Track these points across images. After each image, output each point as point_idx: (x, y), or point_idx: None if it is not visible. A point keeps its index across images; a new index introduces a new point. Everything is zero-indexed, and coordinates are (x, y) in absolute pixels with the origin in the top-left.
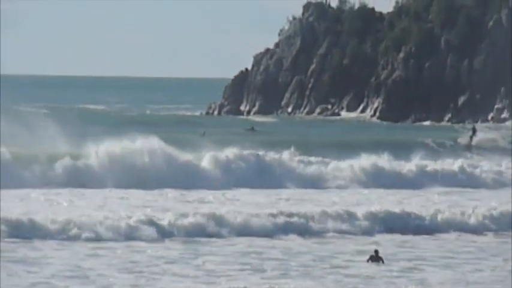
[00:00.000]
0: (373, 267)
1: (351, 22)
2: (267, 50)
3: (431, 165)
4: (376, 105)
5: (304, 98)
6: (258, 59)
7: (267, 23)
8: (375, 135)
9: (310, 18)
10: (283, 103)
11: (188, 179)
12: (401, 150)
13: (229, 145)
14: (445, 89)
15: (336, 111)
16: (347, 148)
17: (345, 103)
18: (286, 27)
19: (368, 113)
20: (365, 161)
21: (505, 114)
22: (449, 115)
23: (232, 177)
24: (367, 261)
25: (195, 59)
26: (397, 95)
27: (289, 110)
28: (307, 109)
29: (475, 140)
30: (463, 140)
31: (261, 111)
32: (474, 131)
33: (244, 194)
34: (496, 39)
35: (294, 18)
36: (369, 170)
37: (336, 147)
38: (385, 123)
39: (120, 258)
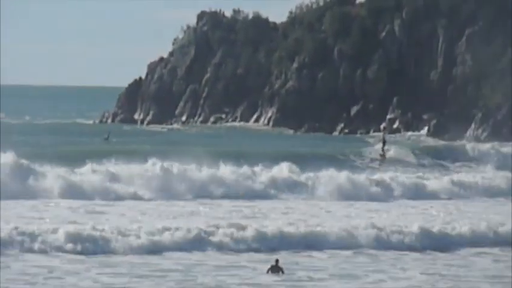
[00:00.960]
0: (272, 277)
1: (245, 32)
2: (161, 58)
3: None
4: (269, 114)
5: (198, 107)
6: (152, 68)
7: (162, 33)
8: (283, 146)
9: (205, 28)
10: (177, 112)
11: None
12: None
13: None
14: (338, 98)
15: (230, 120)
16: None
17: (239, 112)
18: (181, 37)
19: (262, 122)
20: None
21: (397, 125)
22: (342, 125)
23: None
24: (267, 271)
25: (88, 68)
26: (291, 104)
27: (183, 119)
28: (201, 118)
29: (387, 152)
30: (374, 152)
31: (155, 120)
32: (384, 142)
33: None
34: (389, 49)
35: (188, 28)
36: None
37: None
38: (292, 131)
39: None
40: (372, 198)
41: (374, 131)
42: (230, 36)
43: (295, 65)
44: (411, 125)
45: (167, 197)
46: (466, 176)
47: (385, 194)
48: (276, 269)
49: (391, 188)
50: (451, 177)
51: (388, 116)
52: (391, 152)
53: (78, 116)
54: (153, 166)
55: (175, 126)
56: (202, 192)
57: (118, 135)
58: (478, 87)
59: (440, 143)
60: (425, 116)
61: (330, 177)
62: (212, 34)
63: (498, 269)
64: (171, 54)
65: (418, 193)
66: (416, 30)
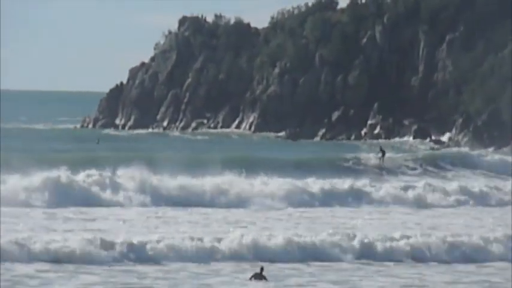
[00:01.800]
0: (254, 284)
1: (226, 37)
2: (143, 64)
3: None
4: (251, 119)
5: (179, 112)
6: (133, 73)
7: (143, 38)
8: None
9: (186, 33)
10: (158, 117)
11: None
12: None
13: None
14: (319, 104)
15: (212, 125)
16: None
17: (220, 117)
18: (162, 42)
19: (243, 128)
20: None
21: (377, 130)
22: (323, 130)
23: None
24: (250, 279)
25: (68, 72)
26: (272, 110)
27: (165, 124)
28: (182, 123)
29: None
30: (371, 160)
31: (137, 125)
32: (383, 152)
33: None
34: (370, 55)
35: (170, 33)
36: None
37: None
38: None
39: None
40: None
41: (355, 137)
42: (212, 42)
43: (276, 70)
44: (392, 130)
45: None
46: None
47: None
48: (259, 276)
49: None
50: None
51: (369, 122)
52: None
53: (57, 121)
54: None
55: (174, 133)
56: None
57: (110, 140)
58: (459, 92)
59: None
60: (406, 122)
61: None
62: (194, 39)
63: None
64: (153, 59)
65: None
66: (397, 36)
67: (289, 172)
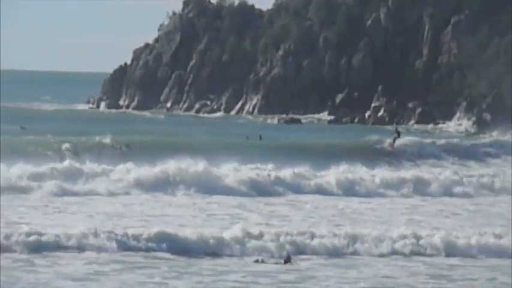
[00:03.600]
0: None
1: (230, 18)
2: (147, 45)
3: None
4: (254, 101)
5: (183, 94)
6: (137, 54)
7: (148, 19)
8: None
9: (190, 14)
10: (162, 98)
11: None
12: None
13: None
14: (323, 86)
15: (215, 107)
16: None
17: (223, 99)
18: (166, 23)
19: (246, 110)
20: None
21: (381, 113)
22: (327, 112)
23: None
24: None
25: (72, 53)
26: (276, 92)
27: (168, 105)
28: (186, 104)
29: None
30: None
31: (140, 106)
32: (398, 133)
33: None
34: (375, 38)
35: (174, 14)
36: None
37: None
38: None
39: None
40: None
41: (359, 120)
42: (216, 23)
43: (280, 52)
44: (396, 113)
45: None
46: None
47: None
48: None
49: None
50: None
51: (373, 104)
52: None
53: (63, 101)
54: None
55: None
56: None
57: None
58: (463, 76)
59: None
60: (410, 105)
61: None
62: (198, 20)
63: None
64: (157, 40)
65: None
66: (402, 19)
67: (343, 158)
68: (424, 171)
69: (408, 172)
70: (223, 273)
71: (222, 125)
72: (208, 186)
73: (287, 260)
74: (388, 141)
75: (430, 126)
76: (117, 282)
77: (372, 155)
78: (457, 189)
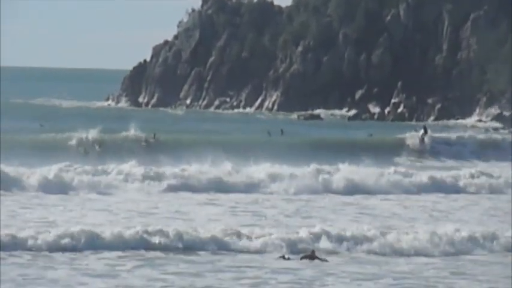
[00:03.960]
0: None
1: (249, 15)
2: (166, 42)
3: None
4: (274, 98)
5: (202, 91)
6: (157, 51)
7: (167, 16)
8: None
9: (209, 11)
10: (181, 95)
11: None
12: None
13: None
14: (342, 82)
15: (235, 104)
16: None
17: (243, 96)
18: (185, 20)
19: (266, 106)
20: None
21: (401, 109)
22: (347, 109)
23: None
24: (301, 259)
25: (94, 50)
26: (295, 88)
27: (188, 102)
28: (205, 101)
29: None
30: (411, 140)
31: (160, 103)
32: (426, 130)
33: None
34: (394, 33)
35: (193, 11)
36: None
37: None
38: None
39: None
40: None
41: (378, 116)
42: (235, 20)
43: (300, 48)
44: (416, 109)
45: None
46: None
47: None
48: (310, 257)
49: None
50: None
51: (393, 100)
52: None
53: (82, 98)
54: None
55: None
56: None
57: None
58: (483, 71)
59: None
60: (429, 100)
61: None
62: (217, 17)
63: None
64: (176, 37)
65: None
66: (421, 15)
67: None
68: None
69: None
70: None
71: (244, 121)
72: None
73: (311, 256)
74: (418, 137)
75: (451, 122)
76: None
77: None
78: None
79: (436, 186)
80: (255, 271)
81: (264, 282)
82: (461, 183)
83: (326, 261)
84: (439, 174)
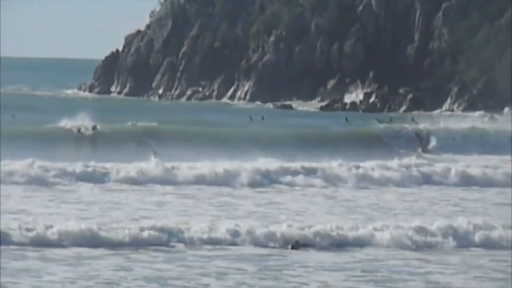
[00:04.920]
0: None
1: (222, 5)
2: (138, 31)
3: None
4: (246, 88)
5: (175, 80)
6: (129, 40)
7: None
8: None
9: (182, 0)
10: (154, 85)
11: None
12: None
13: None
14: (315, 72)
15: (207, 93)
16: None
17: (215, 86)
18: (158, 9)
19: (238, 96)
20: None
21: (373, 99)
22: (319, 98)
23: None
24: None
25: (65, 40)
26: (268, 78)
27: (160, 92)
28: (178, 91)
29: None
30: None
31: (132, 93)
32: (421, 138)
33: None
34: (366, 23)
35: (166, 0)
36: None
37: None
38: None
39: None
40: None
41: (350, 106)
42: (207, 9)
43: (272, 38)
44: (387, 99)
45: None
46: None
47: None
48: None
49: None
50: None
51: (365, 90)
52: None
53: (53, 87)
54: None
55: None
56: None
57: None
58: (455, 61)
59: None
60: (401, 90)
61: None
62: (189, 7)
63: None
64: (148, 26)
65: None
66: (393, 4)
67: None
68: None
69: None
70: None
71: (221, 111)
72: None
73: (294, 247)
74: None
75: (424, 113)
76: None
77: None
78: None
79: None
80: None
81: None
82: None
83: None
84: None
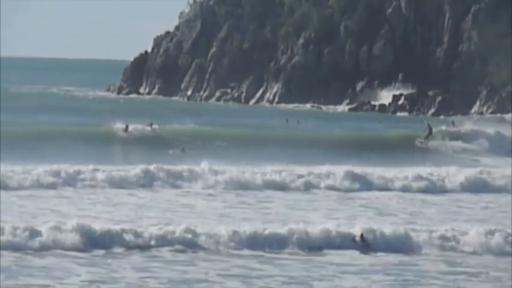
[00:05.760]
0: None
1: (251, 6)
2: (167, 32)
3: None
4: (275, 90)
5: (203, 82)
6: (158, 42)
7: (169, 7)
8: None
9: (211, 2)
10: (182, 86)
11: None
12: None
13: None
14: (343, 74)
15: (236, 95)
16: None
17: (244, 87)
18: (187, 11)
19: (266, 98)
20: None
21: (402, 101)
22: (347, 101)
23: None
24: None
25: (94, 41)
26: (296, 80)
27: (189, 93)
28: (206, 93)
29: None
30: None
31: (161, 94)
32: (430, 130)
33: None
34: (395, 26)
35: (195, 2)
36: None
37: None
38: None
39: None
40: None
41: (379, 108)
42: (236, 11)
43: (301, 40)
44: (416, 101)
45: None
46: None
47: None
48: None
49: None
50: None
51: (393, 93)
52: None
53: (82, 88)
54: None
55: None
56: None
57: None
58: (484, 64)
59: None
60: (430, 93)
61: None
62: (218, 8)
63: None
64: (177, 28)
65: None
66: (422, 7)
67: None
68: None
69: None
70: None
71: (257, 113)
72: None
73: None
74: (422, 137)
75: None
76: None
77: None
78: None
79: None
80: None
81: None
82: None
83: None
84: None
